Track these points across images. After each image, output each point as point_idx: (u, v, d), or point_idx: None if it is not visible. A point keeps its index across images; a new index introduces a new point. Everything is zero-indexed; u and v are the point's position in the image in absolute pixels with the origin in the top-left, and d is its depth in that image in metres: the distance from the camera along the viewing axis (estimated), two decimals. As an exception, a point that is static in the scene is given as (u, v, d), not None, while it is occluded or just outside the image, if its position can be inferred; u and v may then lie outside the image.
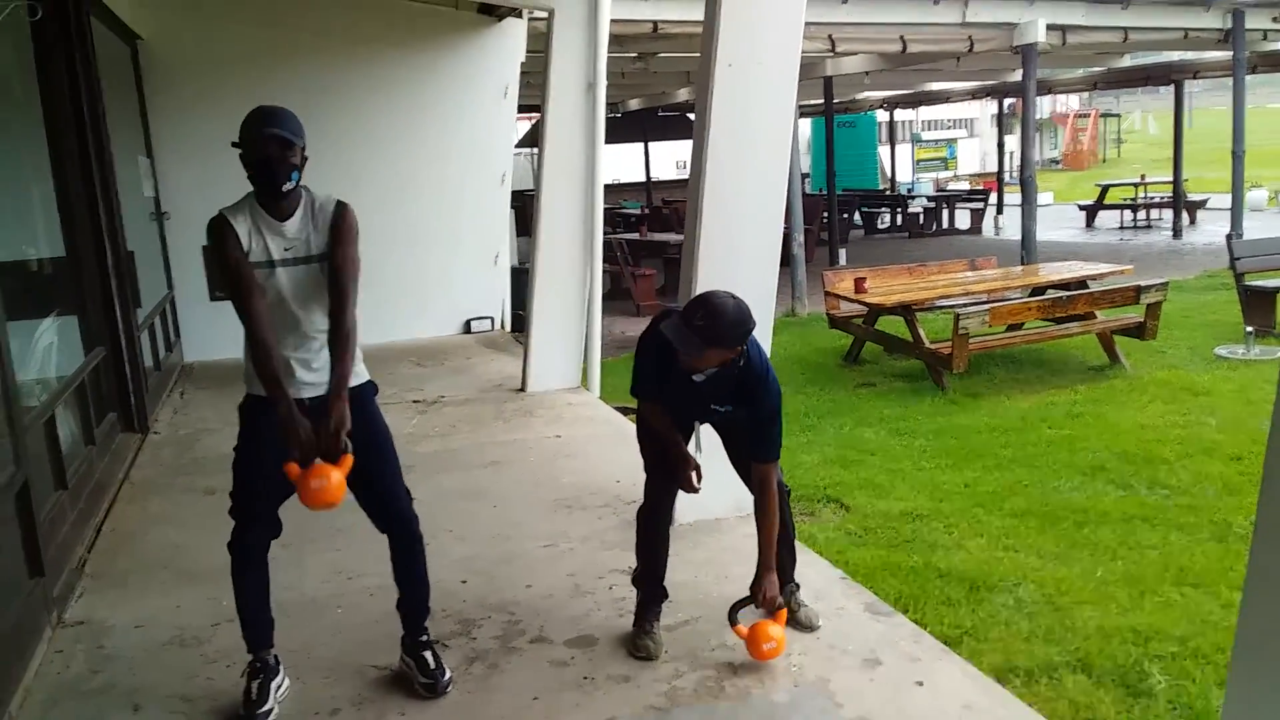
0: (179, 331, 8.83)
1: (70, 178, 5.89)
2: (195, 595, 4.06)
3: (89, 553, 4.61)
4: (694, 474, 3.41)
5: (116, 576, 4.37)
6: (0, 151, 5.11)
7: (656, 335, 3.22)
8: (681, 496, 3.64)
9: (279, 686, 3.25)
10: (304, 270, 3.05)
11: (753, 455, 3.38)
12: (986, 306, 8.20)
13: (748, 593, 3.53)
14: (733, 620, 3.36)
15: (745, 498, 3.84)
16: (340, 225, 3.06)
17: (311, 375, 3.12)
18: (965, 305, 8.47)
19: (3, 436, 3.77)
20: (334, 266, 3.05)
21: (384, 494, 3.28)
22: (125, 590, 4.21)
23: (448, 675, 3.30)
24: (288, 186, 2.98)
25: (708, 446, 3.95)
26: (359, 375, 3.20)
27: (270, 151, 2.92)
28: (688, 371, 3.22)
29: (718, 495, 4.43)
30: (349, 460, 2.97)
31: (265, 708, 3.15)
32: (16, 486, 3.71)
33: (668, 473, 3.50)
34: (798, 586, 3.76)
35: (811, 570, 4.04)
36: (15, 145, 5.41)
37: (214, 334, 8.41)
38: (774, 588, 3.35)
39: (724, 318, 3.08)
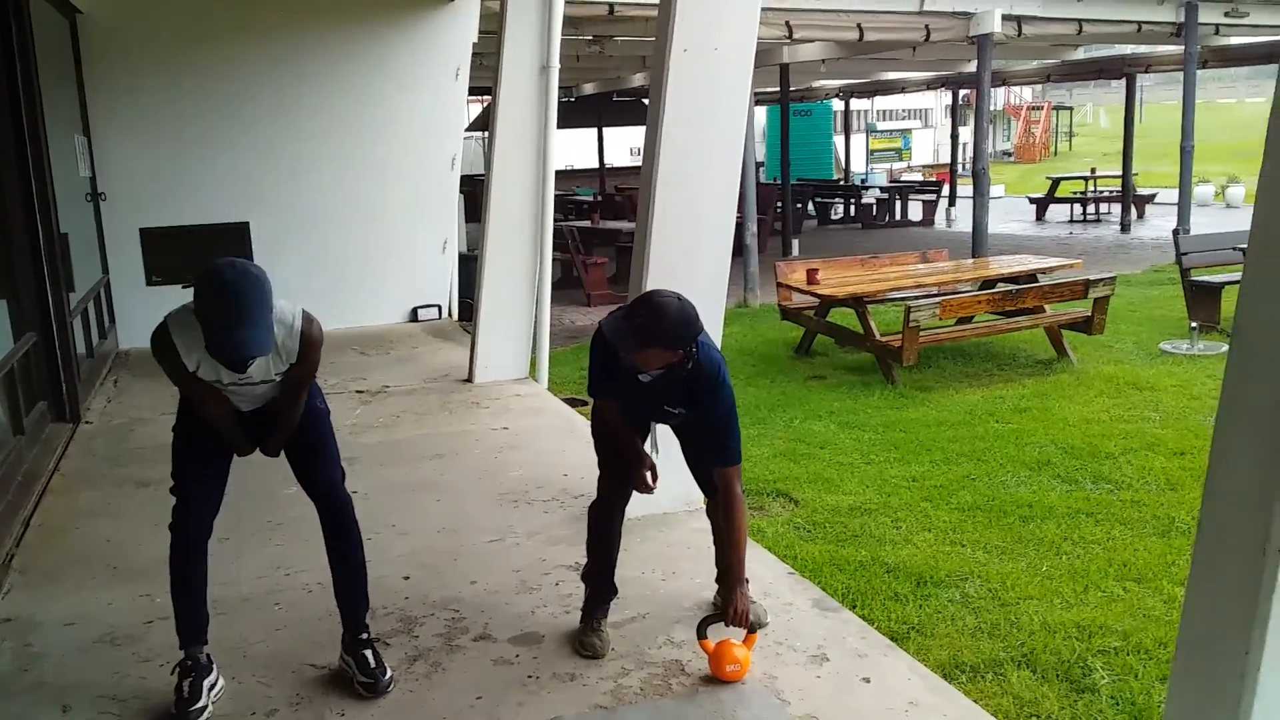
0: (114, 317, 8.61)
1: (1, 156, 5.70)
2: (128, 592, 3.95)
3: (16, 547, 4.46)
4: (649, 474, 3.36)
5: (46, 572, 4.23)
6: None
7: (603, 333, 3.16)
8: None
9: (212, 685, 3.17)
10: (258, 388, 3.03)
11: (712, 461, 3.32)
12: (937, 299, 8.22)
13: (714, 606, 3.54)
14: (700, 634, 3.30)
15: (695, 492, 3.82)
16: (304, 358, 3.00)
17: (250, 406, 3.14)
18: (916, 298, 8.49)
19: (-74, 426, 3.64)
20: (292, 381, 3.05)
21: (316, 475, 3.25)
22: (55, 586, 4.08)
23: (388, 674, 3.23)
24: (251, 366, 2.90)
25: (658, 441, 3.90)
26: None
27: (241, 359, 2.80)
28: (632, 370, 3.16)
29: (666, 490, 4.36)
30: None
31: (198, 704, 3.06)
32: (-61, 478, 3.57)
33: (622, 469, 3.45)
34: (746, 582, 3.72)
35: (760, 565, 4.01)
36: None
37: (150, 320, 8.10)
38: (744, 602, 3.28)
39: (664, 319, 3.01)
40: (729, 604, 3.27)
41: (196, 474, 3.12)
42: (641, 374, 3.17)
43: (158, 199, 8.44)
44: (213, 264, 2.73)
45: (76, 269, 7.10)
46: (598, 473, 3.57)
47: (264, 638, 3.58)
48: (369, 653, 3.25)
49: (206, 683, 3.13)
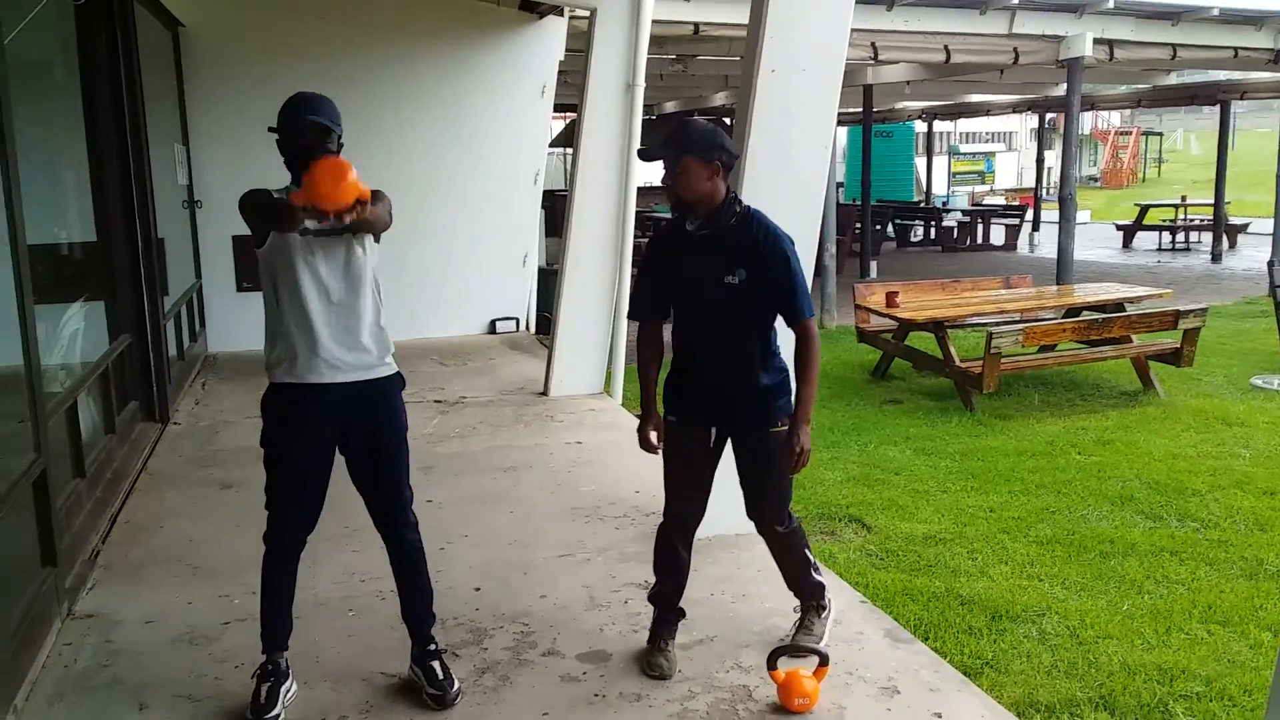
0: (204, 321, 8.86)
1: (105, 162, 5.91)
2: (207, 592, 4.04)
3: (103, 543, 4.59)
4: (654, 433, 3.43)
5: (129, 569, 4.35)
6: (38, 134, 5.11)
7: (656, 227, 3.25)
8: (708, 509, 3.59)
9: (288, 692, 3.22)
10: (337, 240, 3.04)
11: (787, 315, 3.31)
12: (1020, 326, 8.07)
13: (784, 637, 3.55)
14: (771, 665, 3.27)
15: (765, 515, 3.82)
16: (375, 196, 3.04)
17: (343, 354, 3.09)
18: (998, 324, 8.34)
19: (25, 422, 3.76)
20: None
21: (388, 494, 3.24)
22: (137, 584, 4.19)
23: (456, 687, 3.26)
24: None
25: (726, 465, 3.87)
26: (389, 366, 3.18)
27: (309, 139, 2.93)
28: (678, 211, 3.31)
29: (737, 511, 4.35)
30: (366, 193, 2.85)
31: (273, 713, 3.12)
32: (35, 474, 3.70)
33: (689, 487, 3.46)
34: (818, 609, 3.65)
35: (831, 592, 3.95)
36: (53, 128, 5.43)
37: (239, 325, 8.45)
38: (806, 439, 3.26)
39: (693, 125, 3.29)
40: (792, 441, 3.27)
41: (294, 494, 3.15)
42: (689, 224, 3.31)
43: (250, 207, 8.66)
44: None
45: (171, 274, 7.32)
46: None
47: (336, 644, 3.64)
48: (437, 664, 3.29)
49: (283, 689, 3.19)
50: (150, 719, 3.19)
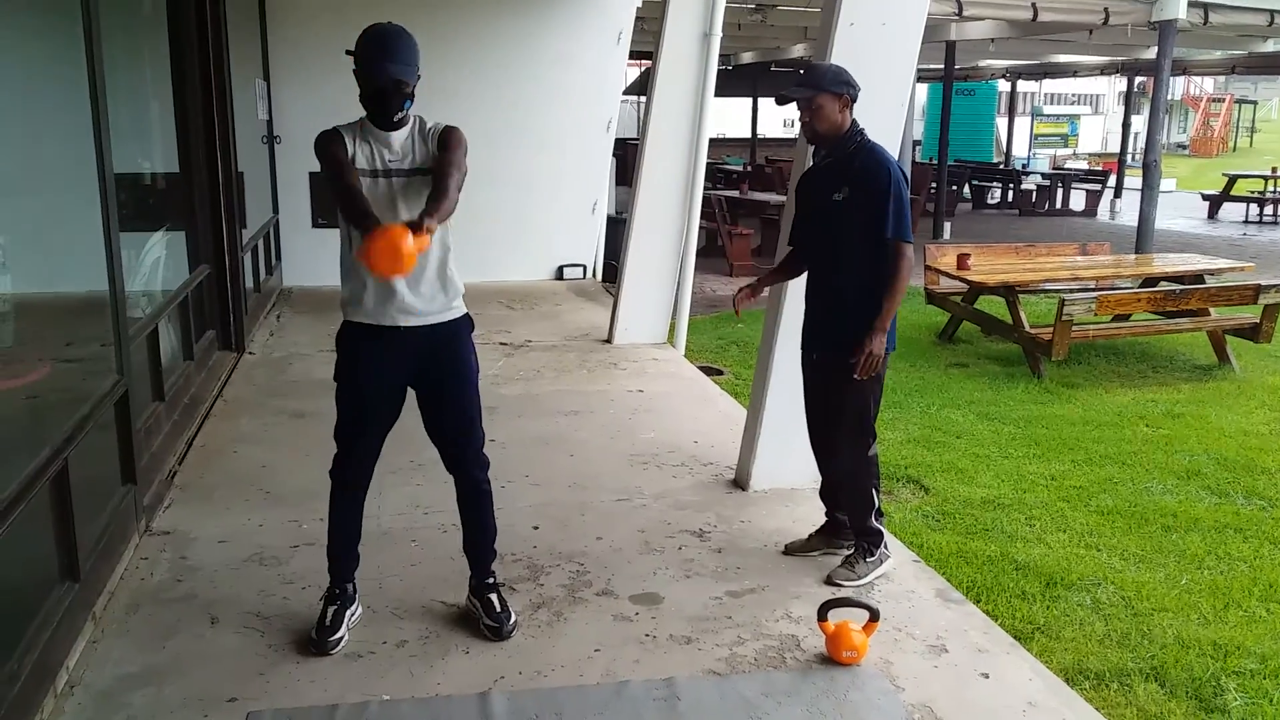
0: (280, 255, 9.03)
1: (189, 96, 6.03)
2: (278, 516, 4.18)
3: (179, 465, 4.77)
4: (745, 296, 3.83)
5: (204, 490, 4.52)
6: (125, 66, 5.22)
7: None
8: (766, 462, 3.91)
9: (353, 614, 3.35)
10: (408, 180, 3.09)
11: (876, 232, 3.48)
12: (1094, 294, 7.92)
13: (833, 583, 3.67)
14: (821, 616, 3.31)
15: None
16: (448, 138, 3.10)
17: (414, 300, 3.12)
18: (1072, 291, 8.19)
19: (109, 345, 3.90)
20: (439, 163, 3.06)
21: (458, 431, 3.29)
22: (211, 505, 4.36)
23: (513, 619, 3.35)
24: (399, 116, 3.06)
25: (785, 418, 3.91)
26: (457, 309, 3.23)
27: (386, 85, 2.98)
28: (812, 144, 3.63)
29: (794, 464, 4.41)
30: (426, 240, 2.82)
31: (337, 635, 3.24)
32: (117, 395, 3.84)
33: (810, 409, 3.87)
34: (866, 551, 3.76)
35: (889, 551, 3.98)
36: (140, 60, 5.53)
37: (314, 260, 8.61)
38: (878, 345, 3.49)
39: (821, 66, 3.65)
40: (863, 340, 3.49)
41: (360, 430, 3.23)
42: (815, 156, 3.66)
43: (327, 145, 8.78)
44: None
45: (249, 207, 7.46)
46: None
47: (399, 572, 3.75)
48: (495, 597, 3.38)
49: (348, 613, 3.31)
50: (221, 633, 3.34)
